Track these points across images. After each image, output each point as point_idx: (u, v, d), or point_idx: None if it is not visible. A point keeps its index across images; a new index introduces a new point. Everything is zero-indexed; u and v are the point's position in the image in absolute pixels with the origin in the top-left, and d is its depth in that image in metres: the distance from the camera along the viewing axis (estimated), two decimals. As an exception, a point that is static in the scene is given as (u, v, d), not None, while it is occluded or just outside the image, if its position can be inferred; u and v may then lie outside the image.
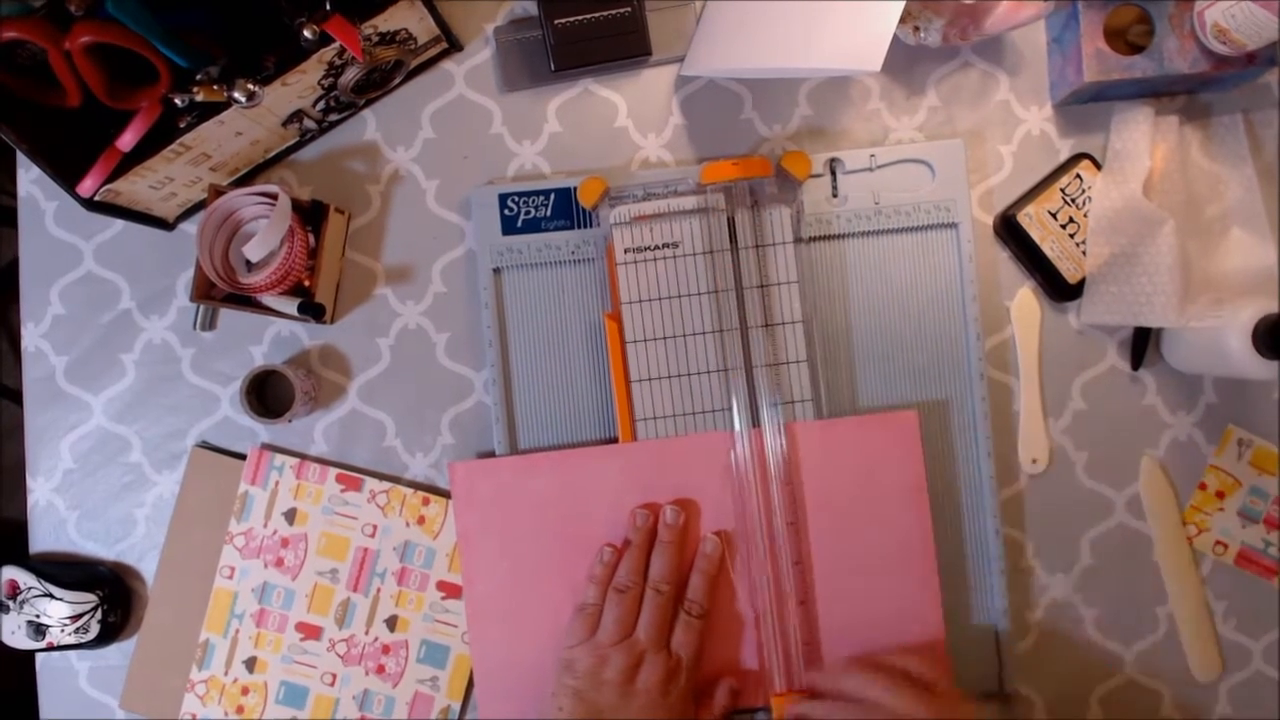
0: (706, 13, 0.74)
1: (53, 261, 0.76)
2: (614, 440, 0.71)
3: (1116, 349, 0.74)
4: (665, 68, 0.75)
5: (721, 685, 0.67)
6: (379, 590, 0.73)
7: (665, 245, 0.70)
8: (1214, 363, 0.69)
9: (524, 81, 0.75)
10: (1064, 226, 0.72)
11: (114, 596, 0.73)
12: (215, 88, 0.61)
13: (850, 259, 0.72)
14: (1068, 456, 0.74)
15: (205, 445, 0.75)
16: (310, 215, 0.71)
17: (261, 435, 0.75)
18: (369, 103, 0.75)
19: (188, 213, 0.76)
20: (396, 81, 0.74)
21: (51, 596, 0.73)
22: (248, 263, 0.70)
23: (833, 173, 0.72)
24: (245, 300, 0.71)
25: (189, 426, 0.75)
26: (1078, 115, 0.74)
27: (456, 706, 0.72)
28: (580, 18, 0.72)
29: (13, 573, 0.74)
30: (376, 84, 0.72)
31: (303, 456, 0.74)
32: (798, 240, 0.70)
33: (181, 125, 0.63)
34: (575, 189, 0.72)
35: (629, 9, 0.72)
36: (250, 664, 0.73)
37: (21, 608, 0.73)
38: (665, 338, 0.70)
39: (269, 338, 0.75)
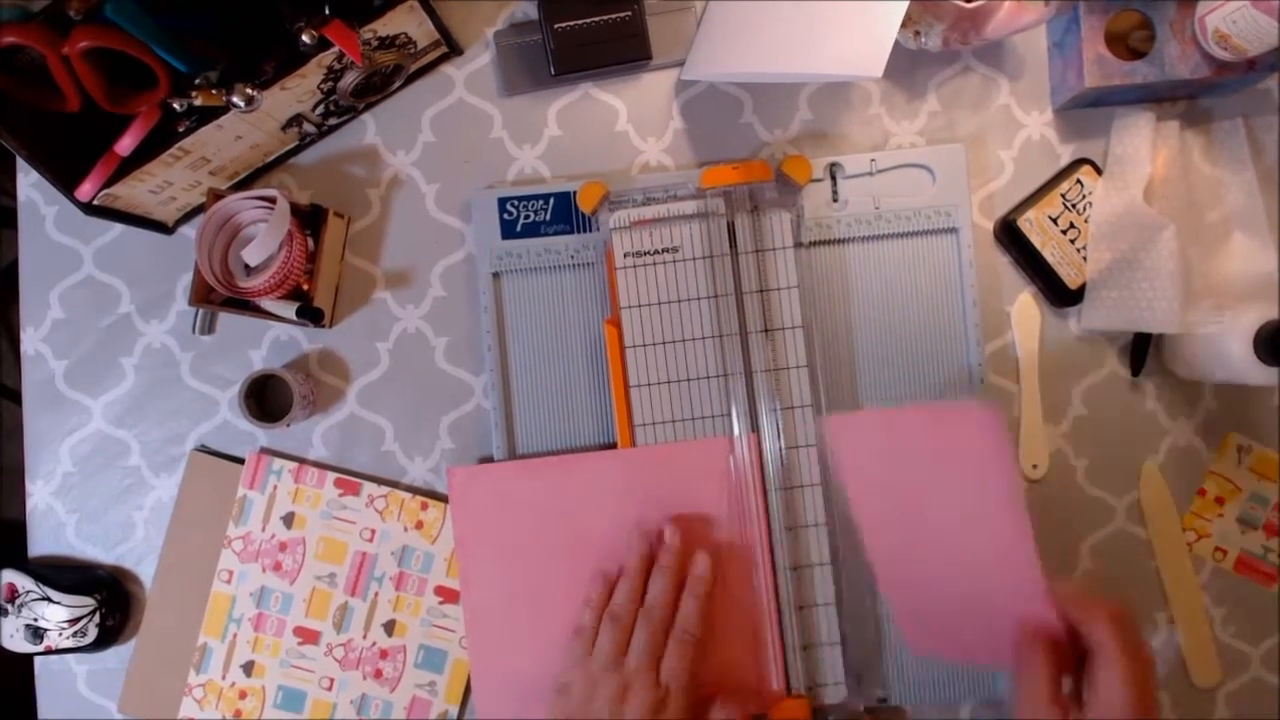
0: (707, 17, 0.74)
1: (52, 265, 0.76)
2: (613, 446, 0.71)
3: (1117, 355, 0.73)
4: (665, 72, 0.75)
5: (716, 707, 0.65)
6: (377, 595, 0.73)
7: (665, 250, 0.70)
8: (1214, 369, 0.69)
9: (524, 85, 0.75)
10: (1065, 232, 0.72)
11: (112, 600, 0.73)
12: (214, 92, 0.61)
13: (850, 264, 0.72)
14: (1068, 462, 0.73)
15: (204, 449, 0.75)
16: (309, 219, 0.71)
17: (260, 439, 0.75)
18: (369, 107, 0.75)
19: (187, 216, 0.76)
20: (396, 85, 0.74)
21: (50, 600, 0.73)
22: (247, 267, 0.70)
23: (833, 177, 0.72)
24: (244, 304, 0.71)
25: (188, 430, 0.75)
26: (1078, 120, 0.74)
27: (454, 711, 0.72)
28: (580, 22, 0.72)
29: (11, 576, 0.73)
30: (376, 88, 0.72)
31: (301, 461, 0.74)
32: (798, 245, 0.70)
33: (180, 129, 0.63)
34: (575, 193, 0.72)
35: (629, 13, 0.71)
36: (248, 668, 0.73)
37: (20, 611, 0.73)
38: (665, 343, 0.70)
39: (268, 342, 0.75)
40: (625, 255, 0.70)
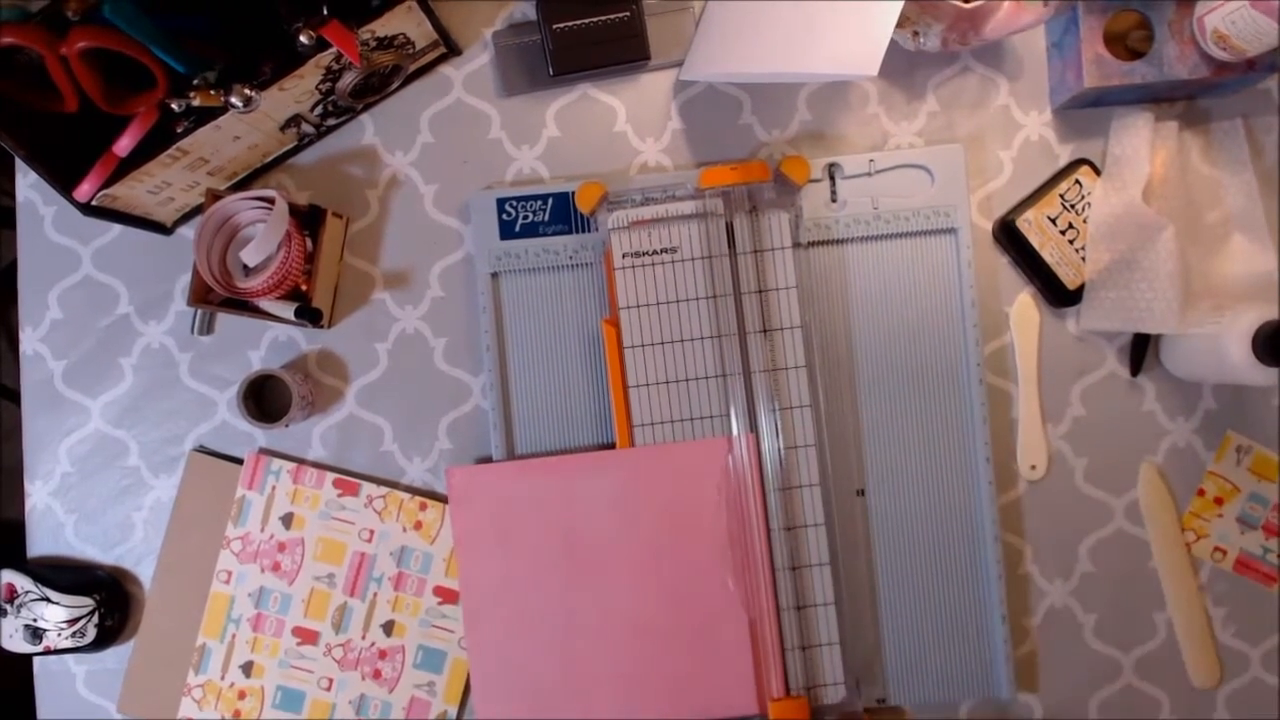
0: (705, 17, 0.74)
1: (51, 266, 0.76)
2: (611, 446, 0.71)
3: (1115, 355, 0.73)
4: (664, 72, 0.75)
5: None
6: (376, 595, 0.73)
7: (663, 250, 0.70)
8: (1213, 369, 0.69)
9: (523, 86, 0.75)
10: (1063, 232, 0.72)
11: (111, 600, 0.73)
12: (212, 93, 0.61)
13: (849, 264, 0.72)
14: (1066, 462, 0.73)
15: (203, 449, 0.75)
16: (308, 220, 0.71)
17: (259, 440, 0.75)
18: (367, 107, 0.75)
19: (186, 217, 0.76)
20: (395, 86, 0.74)
21: (49, 600, 0.73)
22: (245, 267, 0.70)
23: (832, 178, 0.72)
24: (243, 305, 0.71)
25: (187, 431, 0.75)
26: (1077, 120, 0.74)
27: (453, 711, 0.72)
28: (579, 22, 0.72)
29: (10, 576, 0.74)
30: (375, 89, 0.72)
31: (300, 461, 0.74)
32: (796, 245, 0.70)
33: (179, 130, 0.63)
34: (573, 194, 0.72)
35: (628, 13, 0.71)
36: (247, 668, 0.73)
37: (19, 611, 0.73)
38: (663, 343, 0.70)
39: (266, 342, 0.75)
40: (624, 255, 0.70)
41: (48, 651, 0.73)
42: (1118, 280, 0.70)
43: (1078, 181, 0.72)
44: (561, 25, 0.72)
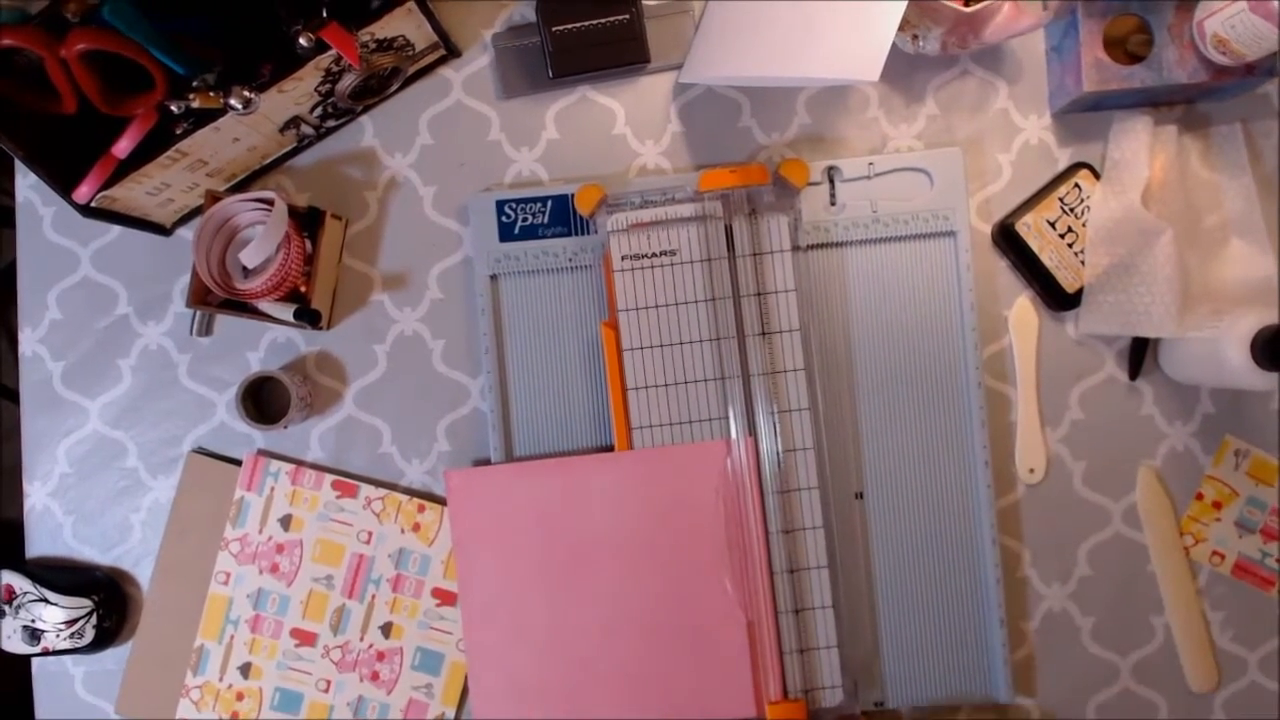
0: (705, 20, 0.74)
1: (50, 266, 0.76)
2: (610, 448, 0.71)
3: (1114, 359, 0.73)
4: (663, 75, 0.75)
5: None
6: (374, 597, 0.73)
7: (662, 253, 0.70)
8: (1212, 373, 0.69)
9: (522, 88, 0.75)
10: (1062, 236, 0.72)
11: (109, 601, 0.73)
12: (211, 94, 0.61)
13: (848, 267, 0.72)
14: (1065, 466, 0.73)
15: (201, 451, 0.75)
16: (307, 221, 0.71)
17: (258, 441, 0.75)
18: (367, 109, 0.75)
19: (185, 218, 0.76)
20: (394, 88, 0.74)
21: (47, 601, 0.73)
22: (244, 269, 0.70)
23: (831, 181, 0.72)
24: (242, 306, 0.71)
25: (185, 432, 0.75)
26: (1076, 124, 0.74)
27: (451, 713, 0.72)
28: (579, 25, 0.72)
29: (9, 577, 0.73)
30: (374, 90, 0.72)
31: (299, 462, 0.74)
32: (795, 248, 0.70)
33: (178, 132, 0.63)
34: (573, 196, 0.72)
35: (627, 16, 0.71)
36: (245, 670, 0.73)
37: (17, 612, 0.73)
38: (662, 345, 0.70)
39: (265, 344, 0.75)
40: (623, 258, 0.70)
41: (46, 652, 0.73)
42: (1117, 284, 0.70)
43: (1077, 185, 0.72)
44: (561, 27, 0.72)
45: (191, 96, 0.61)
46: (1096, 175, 0.72)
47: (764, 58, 0.68)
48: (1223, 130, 0.72)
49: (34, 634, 0.73)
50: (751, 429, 0.69)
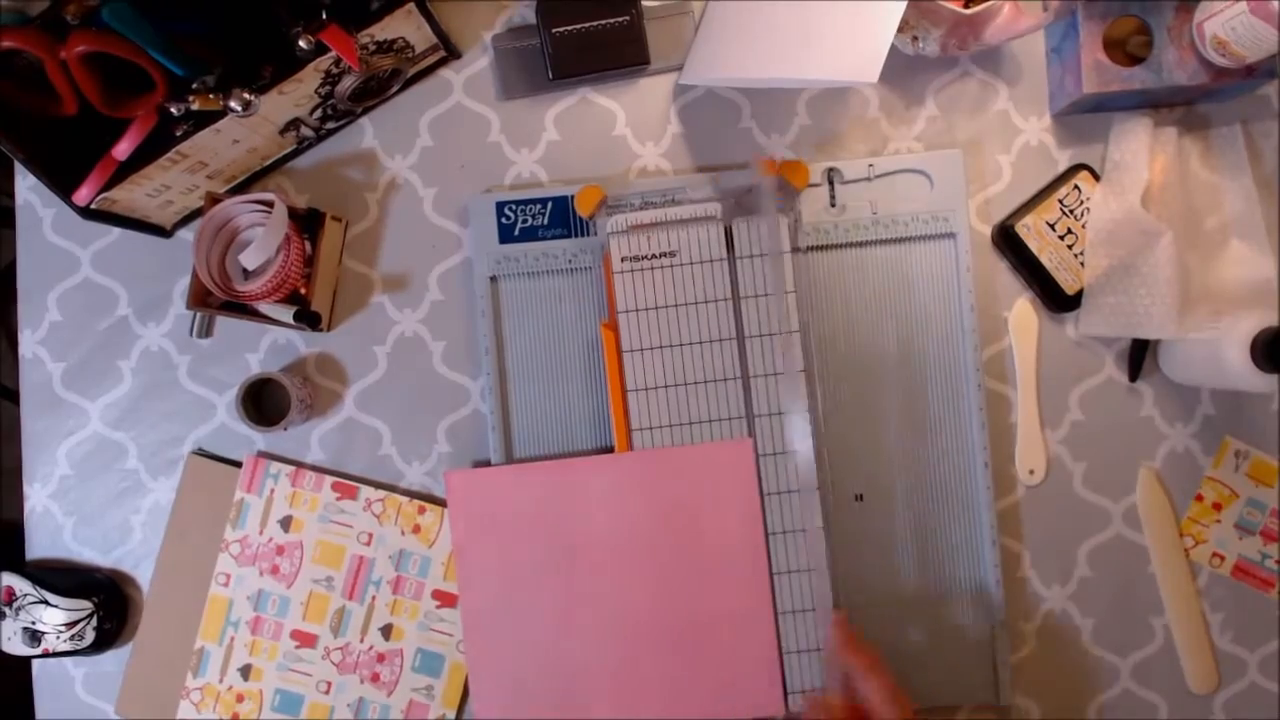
0: (705, 21, 0.74)
1: (50, 268, 0.76)
2: (610, 450, 0.71)
3: (1114, 360, 0.73)
4: (663, 76, 0.75)
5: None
6: (374, 598, 0.73)
7: (662, 254, 0.70)
8: (1212, 375, 0.69)
9: (522, 90, 0.75)
10: (1062, 237, 0.72)
11: (110, 603, 0.73)
12: (211, 96, 0.61)
13: (848, 269, 0.72)
14: (1065, 467, 0.73)
15: (201, 452, 0.75)
16: (307, 223, 0.71)
17: (258, 443, 0.75)
18: (366, 111, 0.75)
19: (185, 220, 0.76)
20: (394, 89, 0.74)
21: (47, 603, 0.73)
22: (244, 270, 0.70)
23: (831, 182, 0.72)
24: (242, 308, 0.71)
25: (185, 433, 0.75)
26: (1076, 126, 0.74)
27: (451, 715, 0.72)
28: (579, 26, 0.72)
29: (9, 579, 0.74)
30: (374, 92, 0.72)
31: (299, 464, 0.74)
32: (795, 250, 0.70)
33: (178, 134, 0.63)
34: (573, 198, 0.72)
35: (627, 17, 0.71)
36: (245, 671, 0.73)
37: (17, 614, 0.73)
38: (662, 347, 0.70)
39: (265, 345, 0.75)
40: (623, 259, 0.70)
41: (46, 654, 0.73)
42: (1116, 285, 0.70)
43: (1077, 187, 0.72)
44: (561, 29, 0.72)
45: (191, 98, 0.61)
46: (1096, 177, 0.72)
47: (764, 59, 0.68)
48: (1223, 132, 0.72)
49: (34, 636, 0.73)
50: (751, 430, 0.69)
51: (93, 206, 0.65)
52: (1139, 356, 0.73)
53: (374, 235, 0.75)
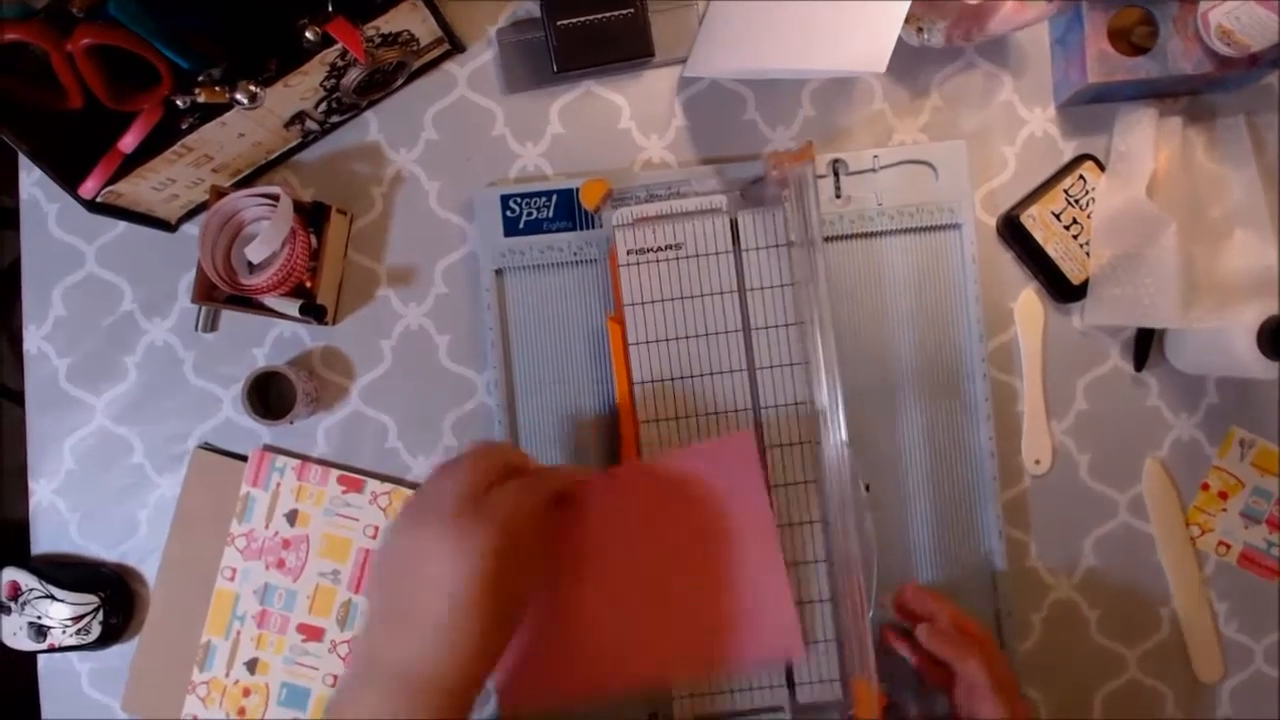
0: (709, 14, 0.74)
1: (55, 263, 0.76)
2: (616, 448, 0.70)
3: (1119, 350, 0.74)
4: (668, 69, 0.75)
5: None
6: (381, 592, 0.73)
7: (668, 247, 0.70)
8: (1217, 364, 0.69)
9: (526, 83, 0.75)
10: (1067, 228, 0.72)
11: (115, 598, 0.73)
12: (217, 89, 0.61)
13: (853, 260, 0.72)
14: (1071, 457, 0.73)
15: (207, 447, 0.75)
16: (312, 216, 0.71)
17: (263, 436, 0.75)
18: (371, 104, 0.75)
19: (190, 214, 0.76)
20: (399, 83, 0.74)
21: (53, 598, 0.73)
22: (250, 264, 0.70)
23: (836, 174, 0.72)
24: (247, 302, 0.71)
25: (191, 428, 0.75)
26: (1081, 116, 0.74)
27: (459, 708, 0.72)
28: (583, 19, 0.72)
29: (14, 574, 0.73)
30: (379, 85, 0.72)
31: (304, 458, 0.74)
32: (810, 241, 0.69)
33: (183, 127, 0.63)
34: (578, 190, 0.72)
35: (631, 10, 0.71)
36: (252, 665, 0.73)
37: (23, 609, 0.73)
38: (668, 339, 0.70)
39: (271, 339, 0.75)
40: (628, 252, 0.70)
41: (52, 649, 0.73)
42: (1122, 275, 0.70)
43: (1082, 177, 0.72)
44: (565, 22, 0.72)
45: (197, 91, 0.61)
46: (1101, 167, 0.73)
47: (768, 50, 0.68)
48: (1227, 122, 0.72)
49: (40, 631, 0.73)
50: (756, 422, 0.69)
51: (98, 200, 0.64)
52: (1144, 346, 0.73)
53: (379, 229, 0.75)
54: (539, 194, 0.72)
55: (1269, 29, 0.62)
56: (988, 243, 0.74)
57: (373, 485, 0.74)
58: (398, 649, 0.51)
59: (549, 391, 0.73)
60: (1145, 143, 0.70)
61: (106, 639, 0.73)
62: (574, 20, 0.72)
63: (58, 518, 0.76)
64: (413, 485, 0.74)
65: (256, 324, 0.75)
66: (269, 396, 0.74)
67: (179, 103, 0.62)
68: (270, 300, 0.70)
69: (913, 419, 0.72)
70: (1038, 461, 0.73)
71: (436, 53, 0.74)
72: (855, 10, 0.61)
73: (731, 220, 0.70)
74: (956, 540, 0.71)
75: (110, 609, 0.73)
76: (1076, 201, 0.72)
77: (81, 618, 0.73)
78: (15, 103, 0.60)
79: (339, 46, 0.63)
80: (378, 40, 0.66)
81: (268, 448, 0.75)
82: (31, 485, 0.76)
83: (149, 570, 0.75)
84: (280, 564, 0.73)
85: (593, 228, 0.72)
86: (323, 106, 0.71)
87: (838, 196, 0.72)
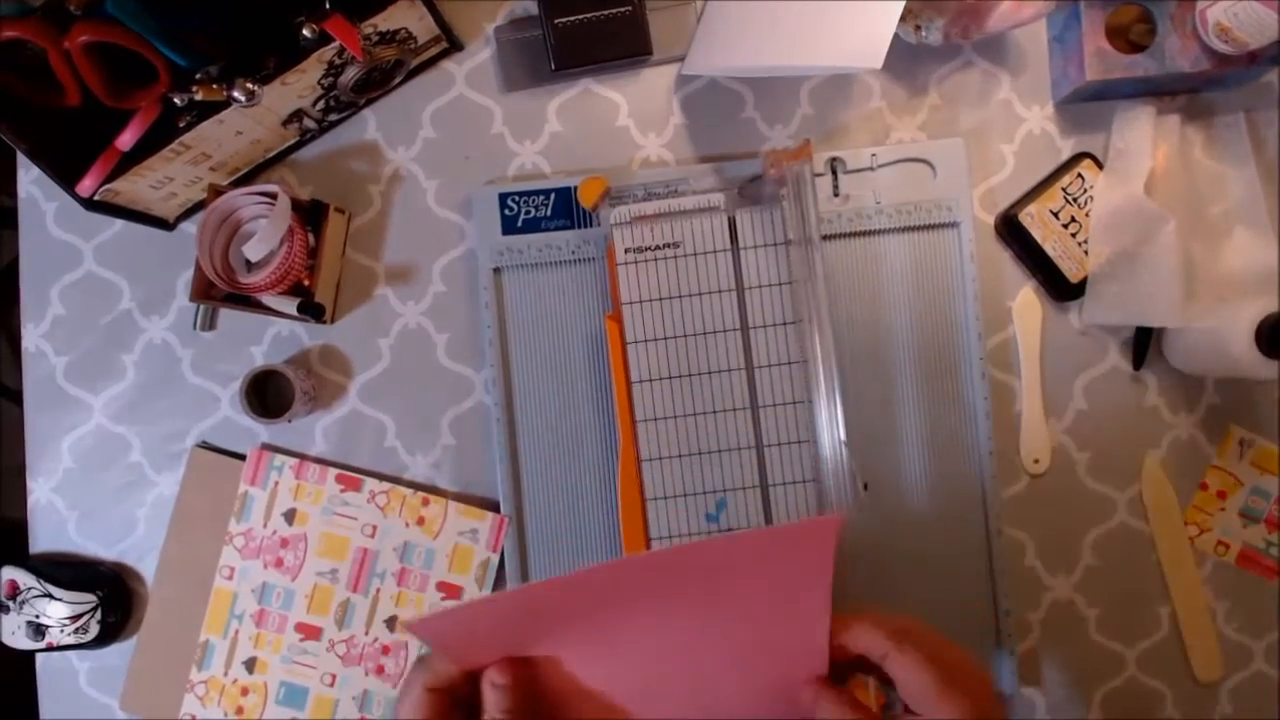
0: (707, 12, 0.74)
1: (53, 262, 0.76)
2: (614, 459, 0.70)
3: (1118, 349, 0.73)
4: (666, 67, 0.75)
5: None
6: (379, 591, 0.73)
7: (666, 245, 0.70)
8: (1216, 363, 0.69)
9: (524, 81, 0.75)
10: (1066, 226, 0.72)
11: (114, 597, 0.73)
12: (215, 87, 0.61)
13: (851, 258, 0.72)
14: (1069, 456, 0.73)
15: (205, 445, 0.75)
16: (310, 215, 0.71)
17: (261, 435, 0.75)
18: (369, 102, 0.75)
19: (188, 212, 0.76)
20: (397, 81, 0.74)
21: (51, 597, 0.73)
22: (248, 262, 0.70)
23: (834, 172, 0.72)
24: (245, 300, 0.71)
25: (189, 427, 0.75)
26: (1079, 114, 0.74)
27: (457, 707, 0.72)
28: (581, 17, 0.72)
29: (12, 573, 0.73)
30: (377, 83, 0.72)
31: (302, 457, 0.74)
32: (808, 239, 0.69)
33: (181, 125, 0.63)
34: (575, 189, 0.72)
35: (629, 8, 0.71)
36: (250, 664, 0.73)
37: (21, 608, 0.73)
38: (666, 338, 0.70)
39: (269, 338, 0.75)
40: (626, 251, 0.69)
41: (50, 648, 0.73)
42: (1120, 274, 0.70)
43: (1080, 175, 0.72)
44: (563, 20, 0.72)
45: (195, 89, 0.61)
46: (1099, 165, 0.72)
47: (766, 48, 0.68)
48: (1226, 120, 0.72)
49: (38, 629, 0.73)
50: (755, 420, 0.69)
51: (96, 198, 0.64)
52: (1143, 345, 0.73)
53: (377, 227, 0.75)
54: (537, 192, 0.72)
55: (1267, 26, 0.62)
56: (986, 241, 0.73)
57: (371, 484, 0.74)
58: None
59: (547, 390, 0.73)
60: (1143, 140, 0.70)
61: (105, 638, 0.73)
62: (572, 18, 0.72)
63: (56, 516, 0.76)
64: (411, 484, 0.74)
65: (254, 322, 0.75)
66: (267, 395, 0.74)
67: (177, 100, 0.62)
68: (268, 299, 0.70)
69: (911, 418, 0.72)
70: (1036, 461, 0.73)
71: (434, 51, 0.74)
72: (851, 7, 0.61)
73: (729, 218, 0.69)
74: (955, 539, 0.71)
75: (108, 608, 0.73)
76: (1075, 200, 0.72)
77: (80, 616, 0.73)
78: (13, 100, 0.60)
79: (336, 44, 0.63)
80: (375, 38, 0.66)
81: (266, 446, 0.75)
82: (30, 484, 0.76)
83: (147, 569, 0.75)
84: (278, 563, 0.73)
85: (591, 226, 0.72)
86: (320, 104, 0.71)
87: (836, 195, 0.72)
